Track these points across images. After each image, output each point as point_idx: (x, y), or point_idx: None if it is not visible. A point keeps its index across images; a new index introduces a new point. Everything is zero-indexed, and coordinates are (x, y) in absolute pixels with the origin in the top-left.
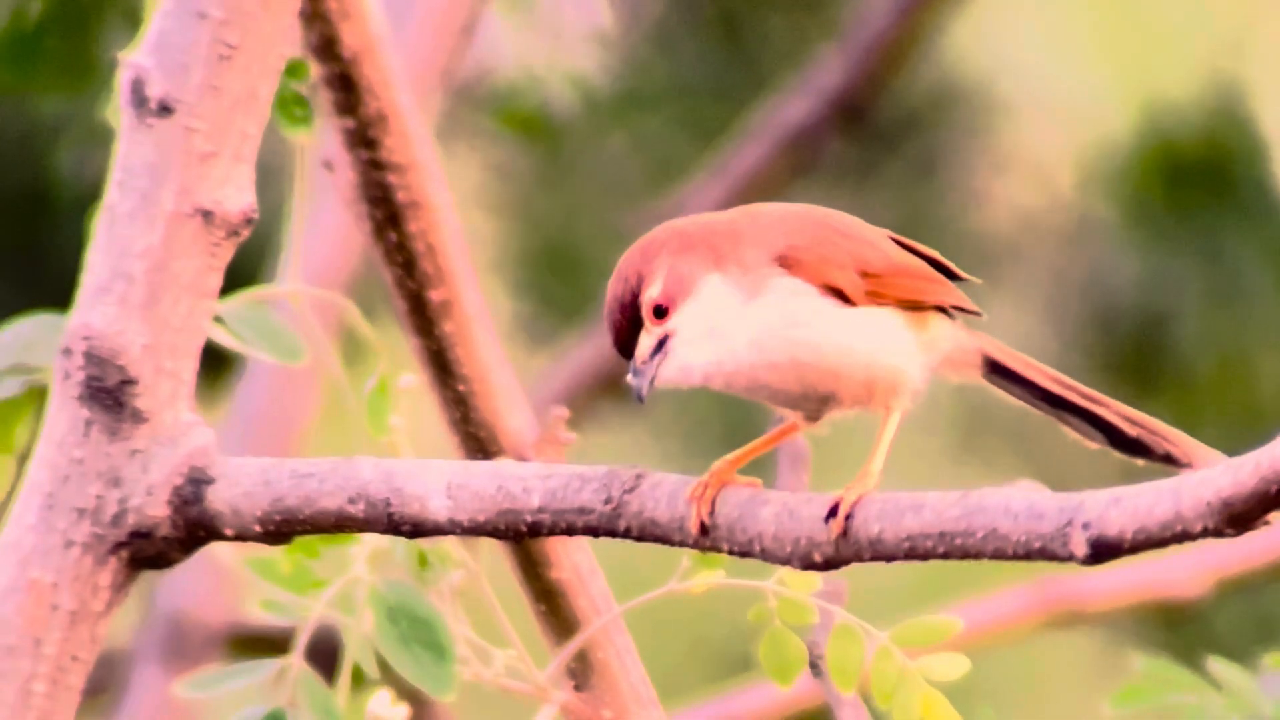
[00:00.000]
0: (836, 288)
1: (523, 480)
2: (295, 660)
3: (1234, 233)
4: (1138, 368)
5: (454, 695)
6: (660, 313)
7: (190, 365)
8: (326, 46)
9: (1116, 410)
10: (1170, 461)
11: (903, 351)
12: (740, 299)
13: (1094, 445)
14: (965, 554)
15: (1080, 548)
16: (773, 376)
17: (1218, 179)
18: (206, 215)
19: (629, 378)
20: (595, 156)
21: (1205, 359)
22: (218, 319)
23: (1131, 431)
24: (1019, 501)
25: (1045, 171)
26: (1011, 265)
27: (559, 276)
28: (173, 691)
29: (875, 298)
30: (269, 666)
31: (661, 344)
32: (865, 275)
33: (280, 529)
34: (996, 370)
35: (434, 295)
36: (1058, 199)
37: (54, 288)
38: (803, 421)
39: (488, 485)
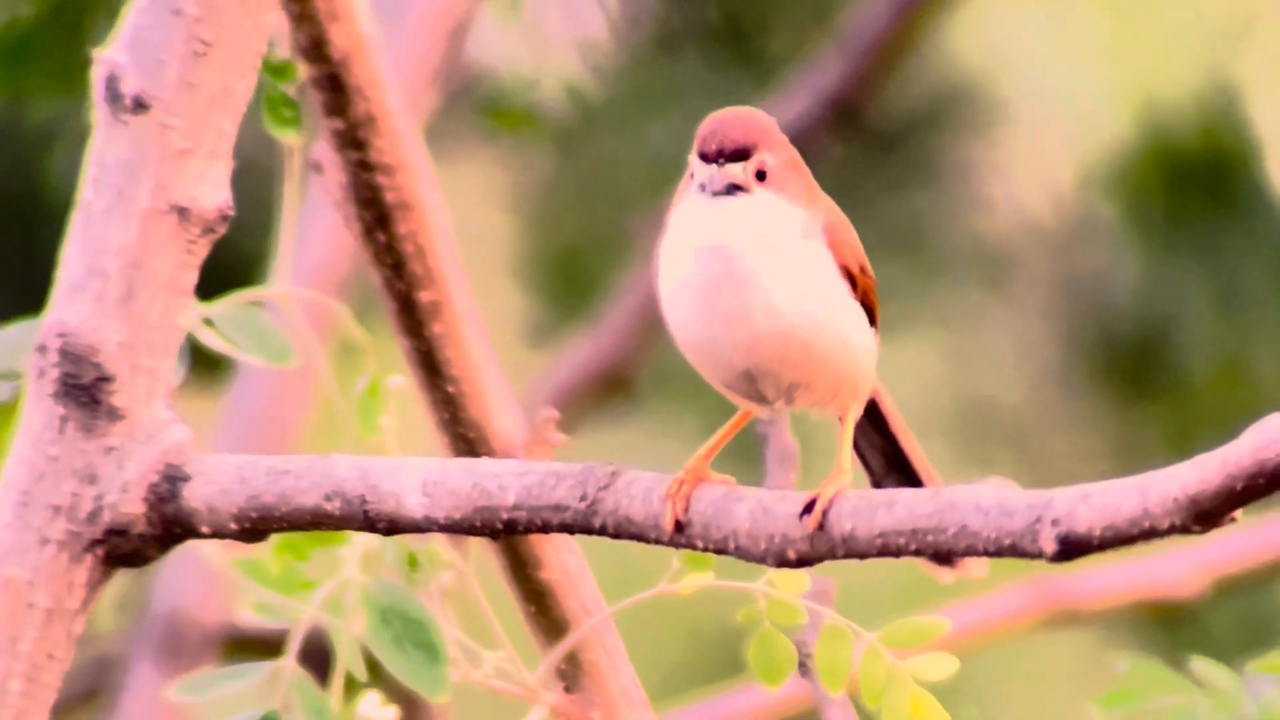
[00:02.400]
0: (852, 274)
1: (498, 477)
2: (288, 663)
3: (1234, 238)
4: (1137, 372)
5: (446, 696)
6: (761, 176)
7: (167, 363)
8: (315, 48)
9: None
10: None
11: (872, 361)
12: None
13: None
14: (937, 550)
15: (1049, 544)
16: (760, 342)
17: (1218, 183)
18: (182, 212)
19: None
20: (595, 158)
21: (1205, 363)
22: (207, 321)
23: None
24: (989, 498)
25: (1044, 174)
26: (1011, 269)
27: (563, 277)
28: (166, 694)
29: (864, 297)
30: (262, 669)
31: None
32: (863, 273)
33: (257, 526)
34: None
35: (423, 296)
36: (1057, 202)
37: (49, 291)
38: (754, 408)
39: (463, 482)
